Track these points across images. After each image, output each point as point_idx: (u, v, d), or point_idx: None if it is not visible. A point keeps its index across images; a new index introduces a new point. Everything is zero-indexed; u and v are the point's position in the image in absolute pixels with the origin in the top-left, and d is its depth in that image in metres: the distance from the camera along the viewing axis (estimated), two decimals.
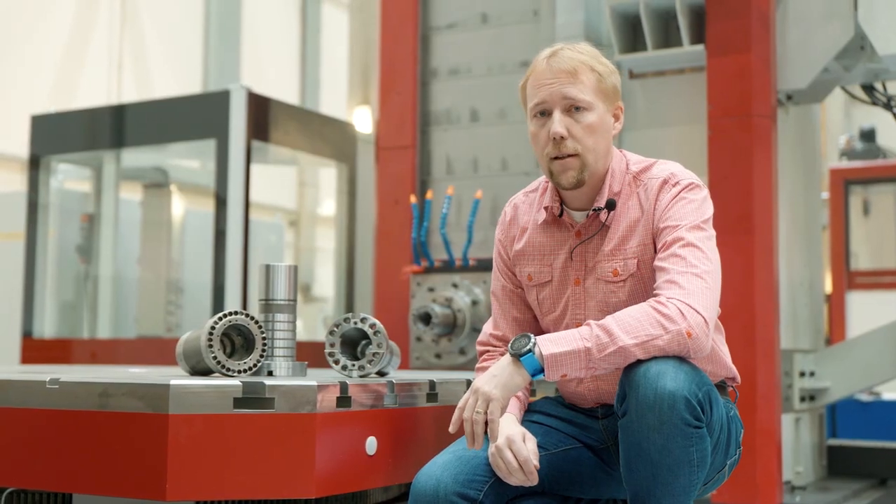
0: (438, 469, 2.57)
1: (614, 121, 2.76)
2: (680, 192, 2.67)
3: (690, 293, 2.49)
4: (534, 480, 2.54)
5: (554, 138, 2.66)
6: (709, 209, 2.69)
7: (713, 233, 2.67)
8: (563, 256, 2.79)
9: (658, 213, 2.67)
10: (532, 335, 2.51)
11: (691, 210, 2.64)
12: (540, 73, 2.71)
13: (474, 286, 5.02)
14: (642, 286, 2.69)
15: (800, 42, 4.98)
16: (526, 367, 2.48)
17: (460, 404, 2.53)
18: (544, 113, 2.70)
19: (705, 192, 2.72)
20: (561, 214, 2.80)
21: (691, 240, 2.59)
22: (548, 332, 2.82)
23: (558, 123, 2.66)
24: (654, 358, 2.45)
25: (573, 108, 2.67)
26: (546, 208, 2.81)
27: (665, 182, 2.69)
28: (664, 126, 5.11)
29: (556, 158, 2.69)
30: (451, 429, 2.54)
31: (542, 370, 2.47)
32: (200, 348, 2.65)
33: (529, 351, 2.47)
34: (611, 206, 2.71)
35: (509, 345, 2.52)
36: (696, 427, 2.41)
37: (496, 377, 2.49)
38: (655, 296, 2.53)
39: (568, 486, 2.79)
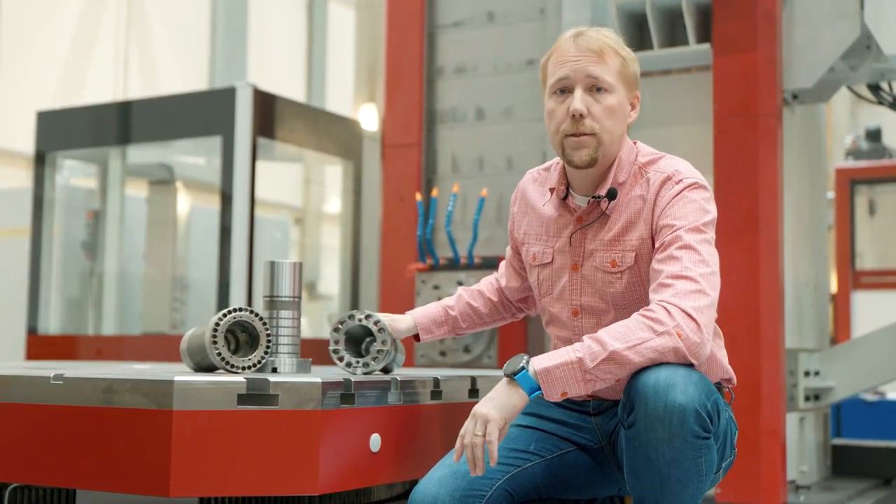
0: (434, 486, 2.55)
1: (630, 109, 2.73)
2: (682, 190, 2.61)
3: (680, 294, 2.44)
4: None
5: (573, 115, 2.63)
6: (711, 211, 2.63)
7: (713, 235, 2.61)
8: (563, 240, 2.78)
9: (658, 209, 2.62)
10: (525, 355, 2.47)
11: (692, 210, 2.59)
12: (565, 51, 2.67)
13: None
14: (639, 280, 2.66)
15: (806, 41, 4.98)
16: (522, 386, 2.43)
17: (462, 432, 2.47)
18: (565, 90, 2.66)
19: (709, 192, 2.65)
20: (565, 198, 2.78)
21: (689, 241, 2.53)
22: (545, 313, 2.86)
23: (579, 100, 2.62)
24: (662, 367, 2.40)
25: (595, 88, 2.64)
26: (552, 190, 2.81)
27: (668, 178, 2.64)
28: (670, 125, 5.11)
29: (571, 136, 2.65)
30: (455, 458, 2.49)
31: (539, 387, 2.43)
32: (205, 345, 2.65)
33: (523, 369, 2.43)
34: (612, 195, 2.68)
35: (504, 367, 2.48)
36: (704, 438, 2.39)
37: (493, 399, 2.44)
38: (648, 301, 2.50)
39: (564, 490, 2.77)
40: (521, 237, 2.91)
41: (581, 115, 2.62)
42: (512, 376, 2.44)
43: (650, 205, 2.64)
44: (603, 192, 2.69)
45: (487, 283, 3.14)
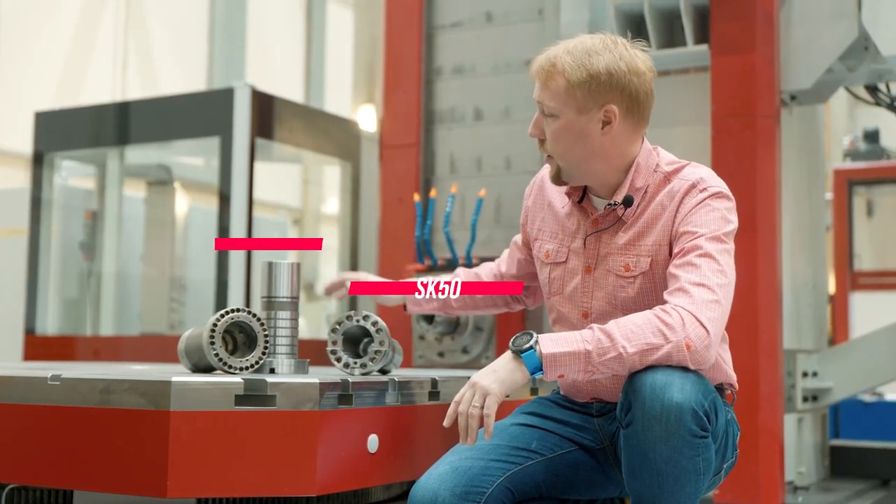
0: (435, 482, 2.56)
1: (602, 125, 2.65)
2: (706, 198, 2.63)
3: (697, 304, 2.46)
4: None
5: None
6: (733, 221, 2.65)
7: (732, 246, 2.62)
8: (578, 241, 2.78)
9: (680, 216, 2.63)
10: (534, 333, 2.49)
11: (714, 219, 2.61)
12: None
13: None
14: (653, 286, 2.66)
15: (804, 42, 4.97)
16: (526, 365, 2.45)
17: (457, 398, 2.50)
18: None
19: (732, 203, 2.68)
20: (581, 200, 2.78)
21: (709, 250, 2.55)
22: (552, 311, 2.86)
23: (532, 124, 2.71)
24: (661, 366, 2.42)
25: (545, 112, 2.68)
26: (568, 194, 2.81)
27: (693, 186, 2.65)
28: (668, 126, 5.09)
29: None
30: (446, 423, 2.51)
31: (542, 368, 2.46)
32: (202, 345, 2.65)
33: (531, 348, 2.45)
34: (627, 202, 2.68)
35: (511, 341, 2.50)
36: (702, 437, 2.40)
37: (496, 372, 2.47)
38: (664, 303, 2.51)
39: (565, 490, 2.78)
40: (535, 233, 2.91)
41: (537, 138, 2.71)
42: (518, 353, 2.46)
43: (672, 211, 2.65)
44: (619, 198, 2.69)
45: (487, 268, 3.16)
